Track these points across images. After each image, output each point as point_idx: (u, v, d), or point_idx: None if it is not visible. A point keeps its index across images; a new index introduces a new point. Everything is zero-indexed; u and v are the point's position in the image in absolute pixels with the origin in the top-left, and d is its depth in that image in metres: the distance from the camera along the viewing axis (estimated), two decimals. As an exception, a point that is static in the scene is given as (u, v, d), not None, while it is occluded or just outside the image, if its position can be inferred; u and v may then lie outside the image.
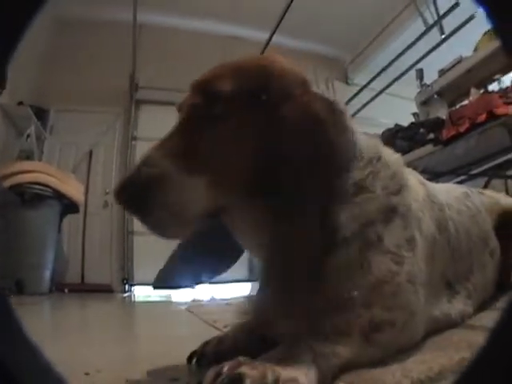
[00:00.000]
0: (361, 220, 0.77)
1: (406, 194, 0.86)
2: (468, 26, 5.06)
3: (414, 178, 1.00)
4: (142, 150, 5.77)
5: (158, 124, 5.91)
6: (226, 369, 0.55)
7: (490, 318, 0.93)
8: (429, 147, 3.56)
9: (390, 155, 0.91)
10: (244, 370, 0.54)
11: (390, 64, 5.80)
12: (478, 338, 0.74)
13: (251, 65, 0.80)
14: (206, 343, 0.89)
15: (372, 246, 0.77)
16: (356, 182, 0.79)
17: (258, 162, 0.71)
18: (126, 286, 5.51)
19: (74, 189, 4.63)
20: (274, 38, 5.31)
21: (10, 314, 0.41)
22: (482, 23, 4.91)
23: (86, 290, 5.05)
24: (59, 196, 4.38)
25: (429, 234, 0.92)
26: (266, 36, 5.33)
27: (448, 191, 1.27)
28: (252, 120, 0.73)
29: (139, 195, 0.67)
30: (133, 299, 4.88)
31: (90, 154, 5.71)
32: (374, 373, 0.62)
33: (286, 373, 0.55)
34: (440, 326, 0.93)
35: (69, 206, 4.63)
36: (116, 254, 5.56)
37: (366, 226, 0.77)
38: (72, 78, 5.61)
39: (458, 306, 1.02)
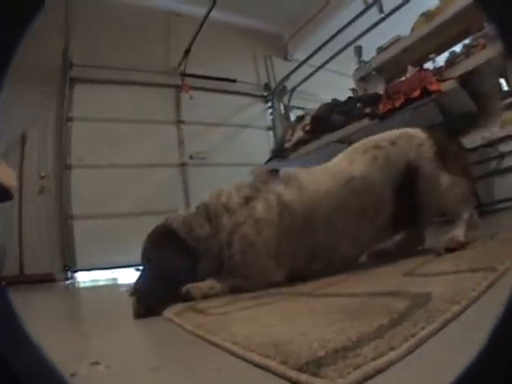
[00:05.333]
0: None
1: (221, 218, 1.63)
2: (406, 6, 5.19)
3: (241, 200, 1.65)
4: (78, 131, 5.52)
5: (95, 104, 5.74)
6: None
7: (412, 284, 0.95)
8: (365, 121, 3.64)
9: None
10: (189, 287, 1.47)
11: (329, 40, 5.86)
12: (399, 304, 0.76)
13: None
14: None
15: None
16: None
17: None
18: (69, 273, 5.31)
19: (5, 175, 4.34)
20: (214, 14, 5.20)
21: (11, 312, 0.42)
22: (419, 5, 5.07)
23: (25, 281, 4.81)
24: (-11, 183, 4.09)
25: (268, 227, 1.57)
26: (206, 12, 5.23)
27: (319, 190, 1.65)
28: None
29: None
30: (76, 286, 4.73)
31: (23, 136, 5.37)
32: (293, 345, 0.62)
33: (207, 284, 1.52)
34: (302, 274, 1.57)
35: (0, 194, 4.35)
36: (56, 241, 5.31)
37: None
38: (-1, 54, 5.22)
39: (316, 266, 1.62)
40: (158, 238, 1.63)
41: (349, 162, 1.75)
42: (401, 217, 1.68)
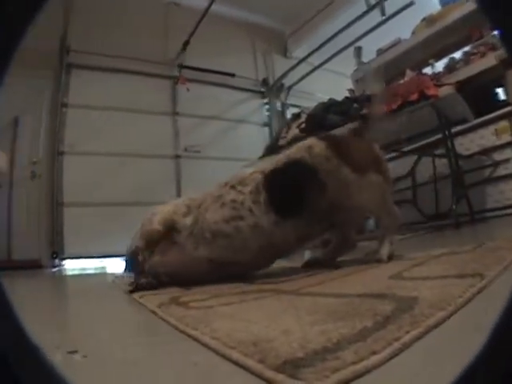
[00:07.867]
0: None
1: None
2: (408, 10, 5.19)
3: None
4: (73, 117, 5.47)
5: (91, 90, 5.70)
6: None
7: (399, 287, 0.94)
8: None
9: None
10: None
11: (329, 40, 5.85)
12: (385, 307, 0.74)
13: None
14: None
15: None
16: None
17: None
18: (56, 261, 5.28)
19: (-5, 156, 4.28)
20: (215, 7, 5.17)
21: (11, 312, 0.42)
22: (421, 9, 5.09)
23: (13, 266, 4.78)
24: (-23, 166, 4.05)
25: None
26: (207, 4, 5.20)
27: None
28: None
29: None
30: (63, 274, 4.70)
31: (16, 120, 5.30)
32: (273, 343, 0.60)
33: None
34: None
35: (-11, 177, 4.30)
36: (45, 228, 5.28)
37: None
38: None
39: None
40: None
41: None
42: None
